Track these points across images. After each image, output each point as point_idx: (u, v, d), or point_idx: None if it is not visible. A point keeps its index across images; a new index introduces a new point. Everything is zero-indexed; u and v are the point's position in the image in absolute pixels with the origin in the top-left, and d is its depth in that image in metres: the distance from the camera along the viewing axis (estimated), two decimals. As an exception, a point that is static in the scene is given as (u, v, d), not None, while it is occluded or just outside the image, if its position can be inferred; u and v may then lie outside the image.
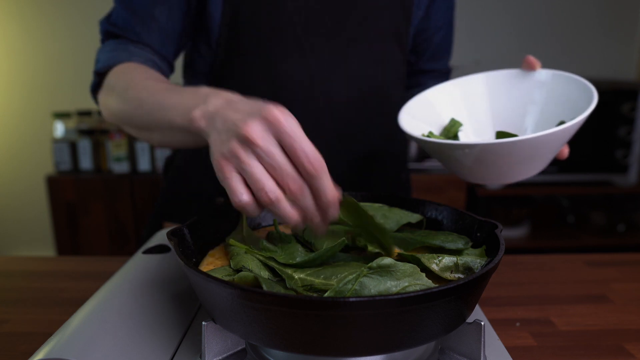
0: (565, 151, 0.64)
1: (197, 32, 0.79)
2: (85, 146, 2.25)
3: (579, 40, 2.51)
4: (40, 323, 0.62)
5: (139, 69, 0.68)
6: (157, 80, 0.64)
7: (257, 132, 0.41)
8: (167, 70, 0.77)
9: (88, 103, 2.47)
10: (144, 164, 2.26)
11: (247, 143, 0.41)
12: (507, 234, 2.26)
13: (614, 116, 2.16)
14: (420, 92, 0.71)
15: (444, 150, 0.58)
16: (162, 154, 2.23)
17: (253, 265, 0.46)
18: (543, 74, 0.68)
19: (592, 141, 2.20)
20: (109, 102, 0.67)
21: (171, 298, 0.53)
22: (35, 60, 2.47)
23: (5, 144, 2.56)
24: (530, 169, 0.59)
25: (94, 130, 2.26)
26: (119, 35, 0.73)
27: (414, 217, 0.57)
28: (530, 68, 0.68)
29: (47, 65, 2.48)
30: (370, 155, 0.87)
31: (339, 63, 0.80)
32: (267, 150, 0.41)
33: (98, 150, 2.28)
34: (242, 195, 0.42)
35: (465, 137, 0.69)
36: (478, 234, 0.51)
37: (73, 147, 2.27)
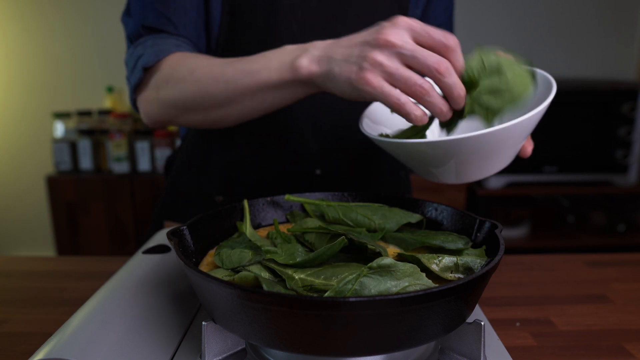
0: (529, 148, 0.60)
1: None
2: (85, 146, 2.25)
3: (579, 40, 2.51)
4: (40, 323, 0.62)
5: (195, 55, 0.68)
6: (218, 59, 0.65)
7: (393, 35, 0.46)
8: None
9: (88, 103, 2.47)
10: (144, 164, 2.26)
11: (387, 46, 0.45)
12: (507, 234, 2.26)
13: (614, 116, 2.16)
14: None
15: (403, 150, 0.55)
16: (162, 154, 2.23)
17: (253, 266, 0.46)
18: None
19: (592, 141, 2.20)
20: (165, 94, 0.66)
21: (171, 298, 0.53)
22: (35, 60, 2.47)
23: (5, 144, 2.56)
24: (489, 167, 0.56)
25: (94, 130, 2.26)
26: (158, 30, 0.71)
27: (414, 217, 0.57)
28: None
29: (47, 65, 2.48)
30: (368, 153, 0.87)
31: None
32: (407, 45, 0.45)
33: (98, 150, 2.28)
34: (400, 97, 0.47)
35: (432, 135, 0.65)
36: (478, 234, 0.51)
37: (73, 147, 2.27)
